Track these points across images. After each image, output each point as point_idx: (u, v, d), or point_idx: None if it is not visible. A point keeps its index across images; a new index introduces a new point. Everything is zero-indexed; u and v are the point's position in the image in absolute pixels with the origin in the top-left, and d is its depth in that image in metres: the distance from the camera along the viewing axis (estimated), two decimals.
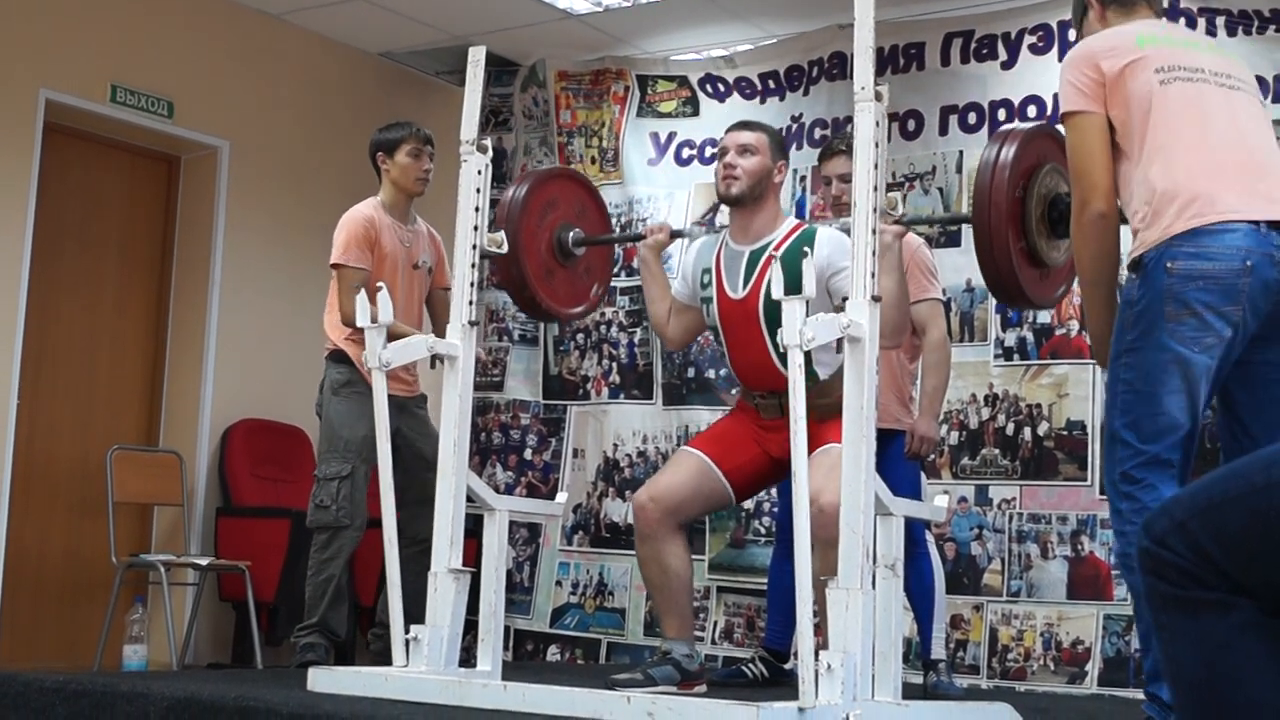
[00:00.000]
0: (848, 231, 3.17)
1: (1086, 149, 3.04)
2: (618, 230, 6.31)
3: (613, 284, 6.23)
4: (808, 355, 2.97)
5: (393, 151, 4.78)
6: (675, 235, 4.21)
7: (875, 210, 3.06)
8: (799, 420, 2.89)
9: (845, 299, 3.15)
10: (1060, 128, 3.16)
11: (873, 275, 3.03)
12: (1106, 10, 3.26)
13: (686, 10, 6.03)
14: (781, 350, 3.53)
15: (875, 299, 3.02)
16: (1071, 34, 3.43)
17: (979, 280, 4.51)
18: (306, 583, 4.66)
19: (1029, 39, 5.52)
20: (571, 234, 4.15)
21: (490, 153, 3.82)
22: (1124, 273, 3.08)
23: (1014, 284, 3.20)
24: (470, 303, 3.72)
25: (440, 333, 3.97)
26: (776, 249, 3.81)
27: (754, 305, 3.83)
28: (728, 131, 4.05)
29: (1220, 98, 3.05)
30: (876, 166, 3.07)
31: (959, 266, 5.31)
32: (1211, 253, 2.88)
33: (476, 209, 3.75)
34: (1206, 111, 3.01)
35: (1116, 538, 3.03)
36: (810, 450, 2.98)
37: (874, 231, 3.04)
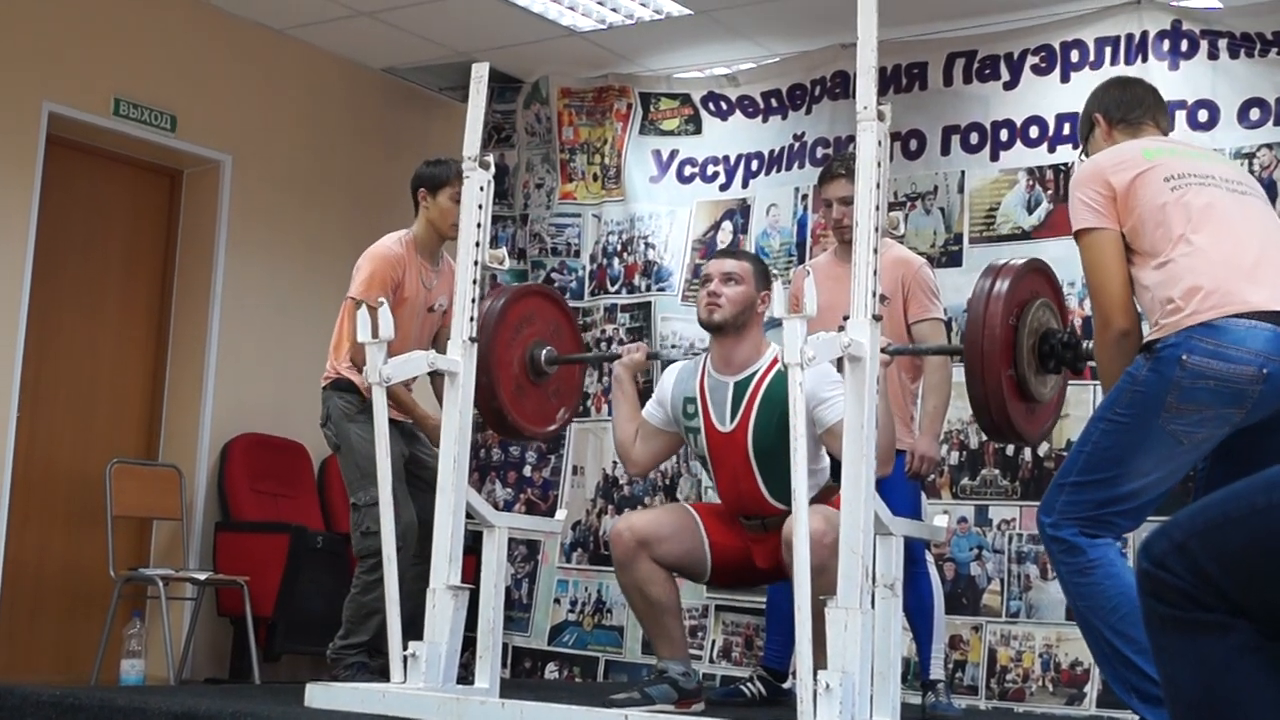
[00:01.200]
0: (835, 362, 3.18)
1: (1103, 265, 3.05)
2: (619, 244, 6.33)
3: (614, 300, 6.28)
4: None
5: (436, 190, 4.56)
6: (652, 357, 4.17)
7: (877, 229, 3.06)
8: (799, 436, 2.90)
9: (830, 426, 3.34)
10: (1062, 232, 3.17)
11: (873, 294, 3.03)
12: (1114, 129, 3.29)
13: (689, 28, 6.04)
14: (772, 486, 3.72)
15: (876, 318, 3.02)
16: (1080, 154, 3.45)
17: None
18: (349, 600, 4.52)
19: (1031, 59, 5.53)
20: (545, 352, 4.05)
21: (493, 169, 3.82)
22: None
23: (1004, 416, 3.17)
24: (471, 319, 3.71)
25: None
26: (762, 379, 3.78)
27: (743, 439, 3.78)
28: (712, 259, 4.01)
29: (1233, 201, 3.06)
30: (879, 186, 3.07)
31: (959, 286, 5.29)
32: (1230, 353, 2.86)
33: (479, 225, 3.75)
34: (1221, 214, 3.02)
35: (1053, 564, 3.09)
36: None
37: (875, 250, 3.04)
